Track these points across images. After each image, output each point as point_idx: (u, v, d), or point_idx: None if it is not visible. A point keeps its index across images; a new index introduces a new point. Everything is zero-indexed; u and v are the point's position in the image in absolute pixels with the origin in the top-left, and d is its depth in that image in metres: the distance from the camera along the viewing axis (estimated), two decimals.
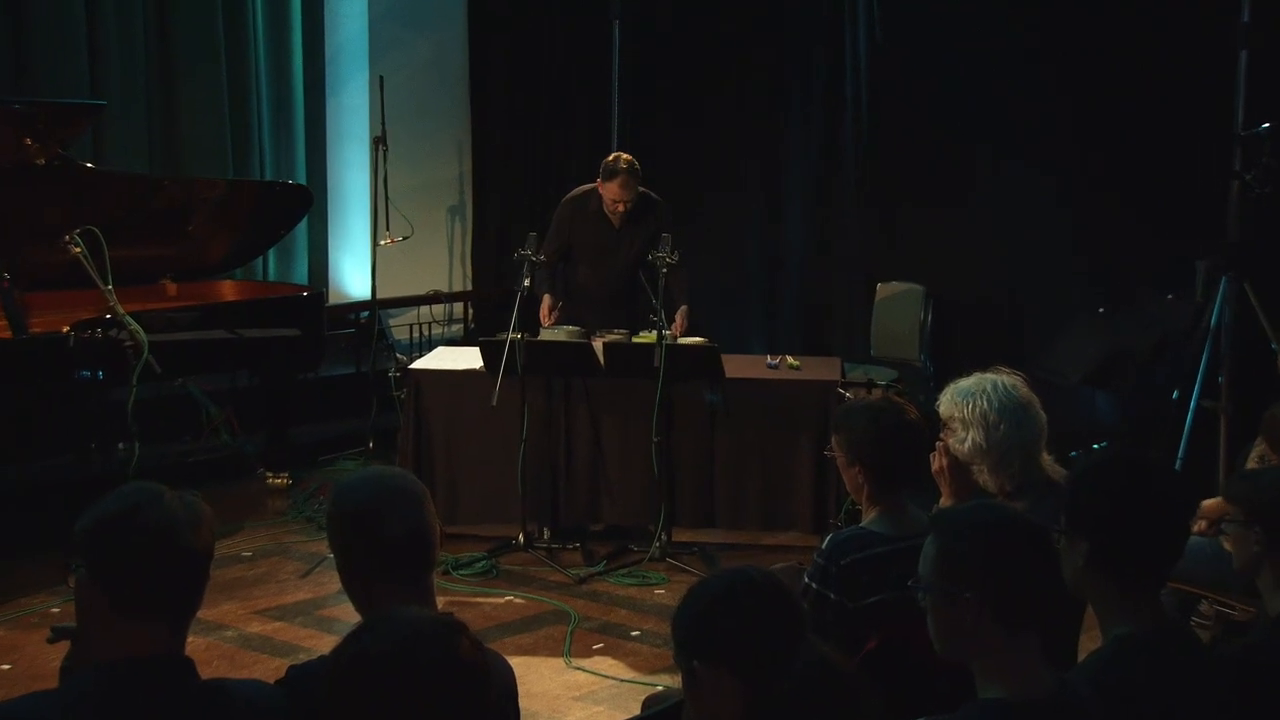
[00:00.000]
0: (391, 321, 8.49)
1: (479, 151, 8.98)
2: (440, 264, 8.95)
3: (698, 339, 5.65)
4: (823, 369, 5.80)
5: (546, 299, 5.98)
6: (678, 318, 5.84)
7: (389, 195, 7.48)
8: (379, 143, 7.39)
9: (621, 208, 5.89)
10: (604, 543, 5.65)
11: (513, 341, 5.26)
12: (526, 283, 5.29)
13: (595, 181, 5.95)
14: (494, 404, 5.13)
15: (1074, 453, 4.41)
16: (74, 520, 2.06)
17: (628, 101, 8.48)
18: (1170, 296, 6.35)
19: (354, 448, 7.06)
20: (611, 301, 6.10)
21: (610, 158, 5.93)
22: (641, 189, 5.93)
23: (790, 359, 5.85)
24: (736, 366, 5.63)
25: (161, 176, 6.53)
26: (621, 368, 5.45)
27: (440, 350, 6.39)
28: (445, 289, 8.76)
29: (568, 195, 6.16)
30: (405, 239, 7.61)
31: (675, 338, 5.60)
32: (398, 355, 7.61)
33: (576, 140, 8.77)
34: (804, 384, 5.56)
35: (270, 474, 6.54)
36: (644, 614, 4.91)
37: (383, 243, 7.51)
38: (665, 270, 5.33)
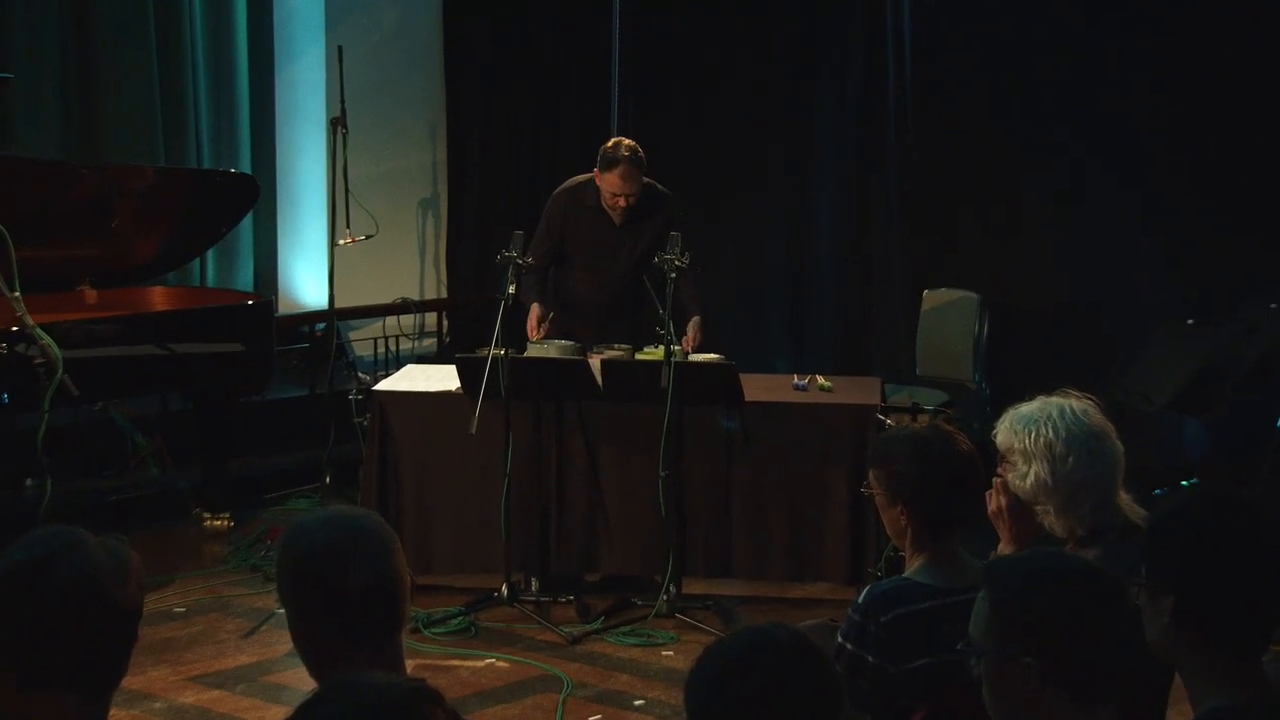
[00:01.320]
0: (352, 335, 8.51)
1: (455, 136, 8.99)
2: (410, 267, 8.96)
3: (712, 356, 5.68)
4: (859, 391, 5.81)
5: (535, 309, 6.00)
6: (689, 330, 5.87)
7: (349, 187, 7.51)
8: (337, 125, 7.42)
9: (623, 202, 5.92)
10: (602, 596, 5.65)
11: (495, 358, 5.27)
12: (511, 289, 5.31)
13: (592, 172, 5.98)
14: (473, 432, 5.15)
15: (1157, 491, 4.43)
16: None
17: (630, 78, 8.52)
18: (1274, 306, 6.36)
19: (308, 484, 7.09)
20: (611, 311, 6.14)
21: (609, 144, 5.94)
22: (646, 180, 5.96)
23: (821, 379, 5.87)
24: (758, 388, 5.64)
25: (79, 163, 6.49)
26: (623, 389, 5.48)
27: (410, 369, 6.40)
28: (416, 297, 8.77)
29: (560, 187, 6.18)
30: (368, 238, 7.64)
31: (686, 354, 5.63)
32: (359, 375, 7.62)
33: (570, 123, 8.79)
34: (837, 409, 5.58)
35: (208, 515, 6.55)
36: (649, 680, 4.90)
37: (342, 242, 7.54)
38: (674, 275, 5.35)
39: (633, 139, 6.00)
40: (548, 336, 5.90)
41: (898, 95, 7.92)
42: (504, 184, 8.91)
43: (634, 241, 6.03)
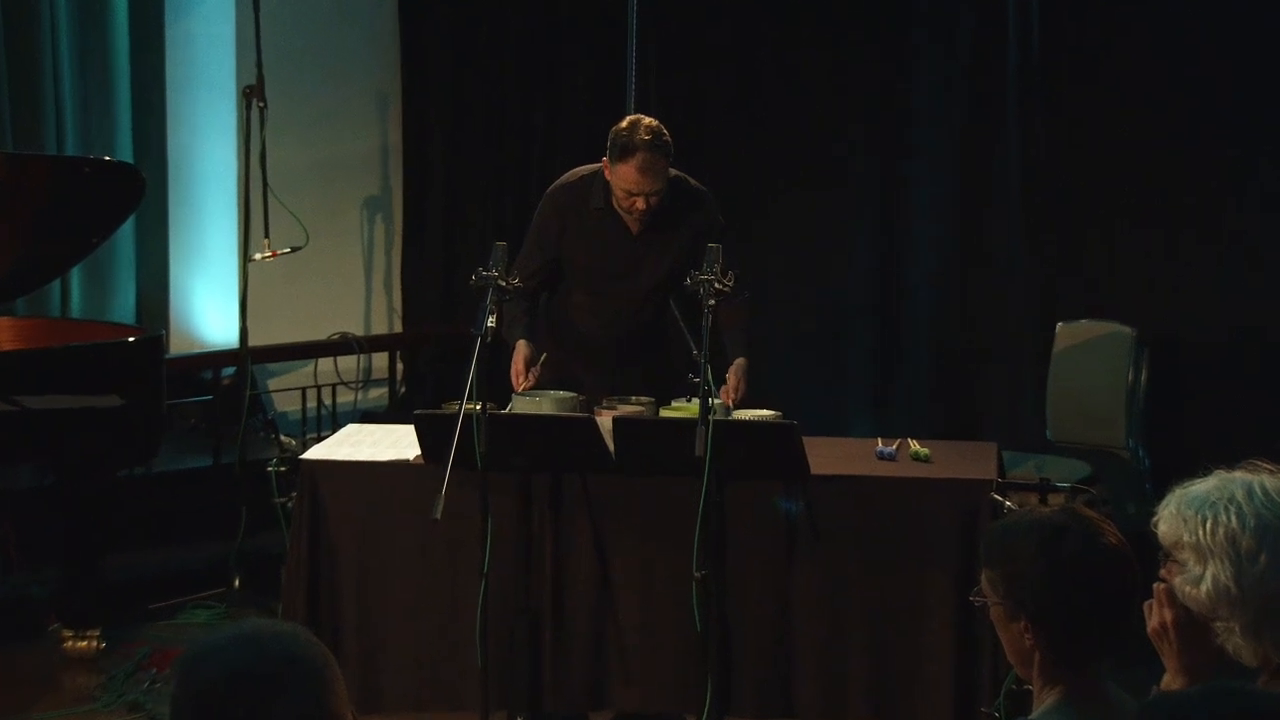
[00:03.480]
0: (272, 384, 8.54)
1: (414, 113, 9.07)
2: (351, 291, 9.01)
3: (765, 412, 5.71)
4: (967, 461, 5.81)
5: (522, 348, 5.99)
6: (732, 377, 5.87)
7: (268, 181, 7.58)
8: (251, 96, 7.50)
9: (642, 204, 5.92)
10: None
11: (469, 416, 5.28)
12: (490, 322, 5.30)
13: (600, 162, 6.01)
14: (437, 518, 5.13)
15: None
16: None
17: (653, 36, 8.54)
18: None
19: (210, 589, 7.12)
20: (626, 351, 6.18)
21: (623, 124, 5.94)
22: (674, 173, 5.99)
23: (915, 445, 5.86)
24: (828, 457, 5.65)
25: None
26: (643, 459, 5.48)
27: (351, 430, 6.36)
28: (359, 331, 8.83)
29: (556, 183, 6.21)
30: (295, 251, 7.71)
31: (729, 409, 5.66)
32: (282, 438, 7.65)
33: (571, 96, 8.83)
34: (937, 486, 5.56)
35: (70, 633, 6.55)
36: None
37: (258, 257, 7.60)
38: (714, 302, 5.32)
39: (656, 118, 6.03)
40: (540, 385, 5.90)
41: (1021, 65, 7.97)
42: (480, 179, 8.94)
43: (658, 256, 6.05)
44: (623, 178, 5.90)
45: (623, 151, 5.87)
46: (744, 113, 8.29)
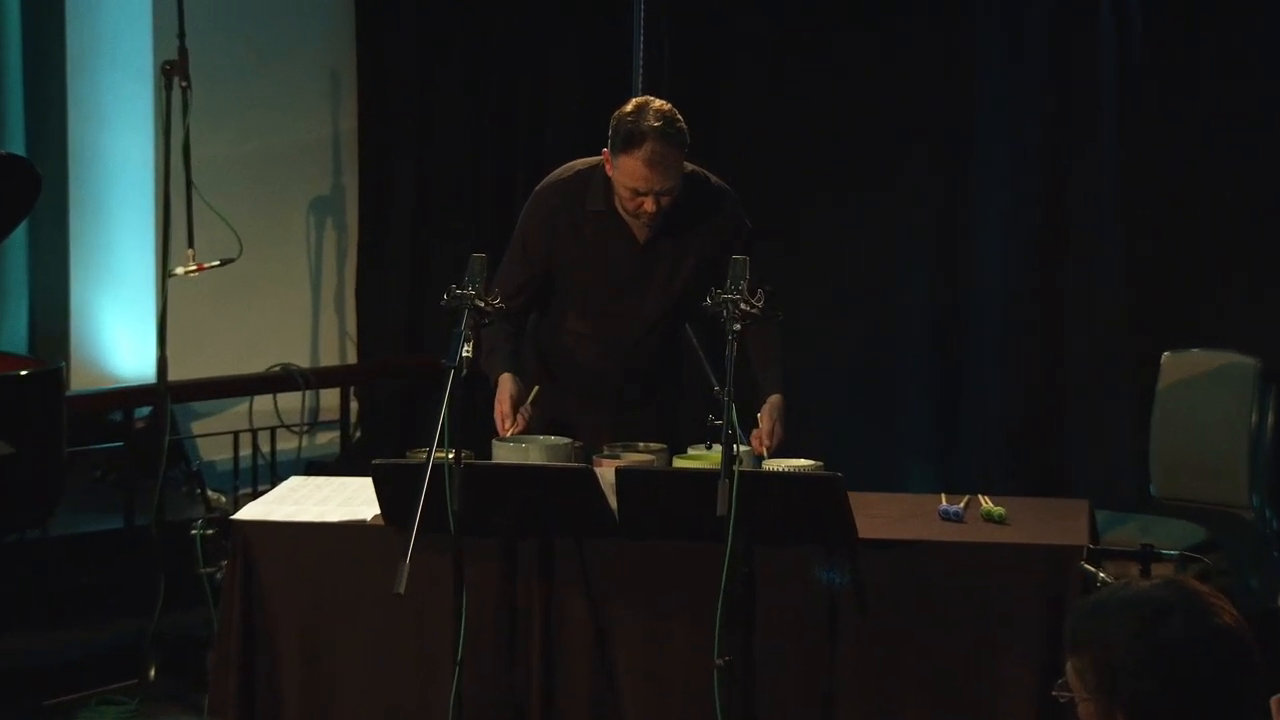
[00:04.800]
0: (197, 427, 8.56)
1: (371, 95, 9.09)
2: (295, 313, 9.02)
3: (804, 462, 5.71)
4: (1052, 523, 5.79)
5: (507, 383, 6.01)
6: (766, 420, 5.89)
7: (194, 179, 7.61)
8: (172, 76, 7.54)
9: (651, 204, 5.92)
10: None
11: (439, 467, 5.20)
12: (466, 351, 5.26)
13: (600, 154, 6.04)
14: (400, 591, 5.08)
15: None
16: None
17: (665, 7, 8.61)
18: None
19: (120, 679, 7.10)
20: (631, 386, 6.20)
21: (629, 107, 5.96)
22: (690, 168, 6.03)
23: (987, 502, 5.84)
24: (881, 516, 5.66)
25: None
26: (653, 519, 5.46)
27: (294, 485, 6.31)
28: (305, 363, 8.86)
29: (546, 180, 6.25)
30: (226, 264, 7.75)
31: (760, 458, 5.68)
32: (209, 494, 7.67)
33: (565, 75, 8.89)
34: (1014, 553, 5.54)
35: None
36: None
37: (181, 271, 7.67)
38: (740, 327, 5.32)
39: (669, 102, 6.07)
40: (528, 430, 5.92)
41: (1119, 46, 8.01)
42: (453, 176, 8.98)
43: (669, 269, 6.09)
44: (627, 173, 5.89)
45: (627, 141, 5.87)
46: (775, 105, 8.32)
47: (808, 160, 8.25)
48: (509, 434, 5.88)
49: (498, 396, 5.99)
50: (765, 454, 5.75)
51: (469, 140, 8.93)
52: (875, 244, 8.32)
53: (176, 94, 7.47)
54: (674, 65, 8.46)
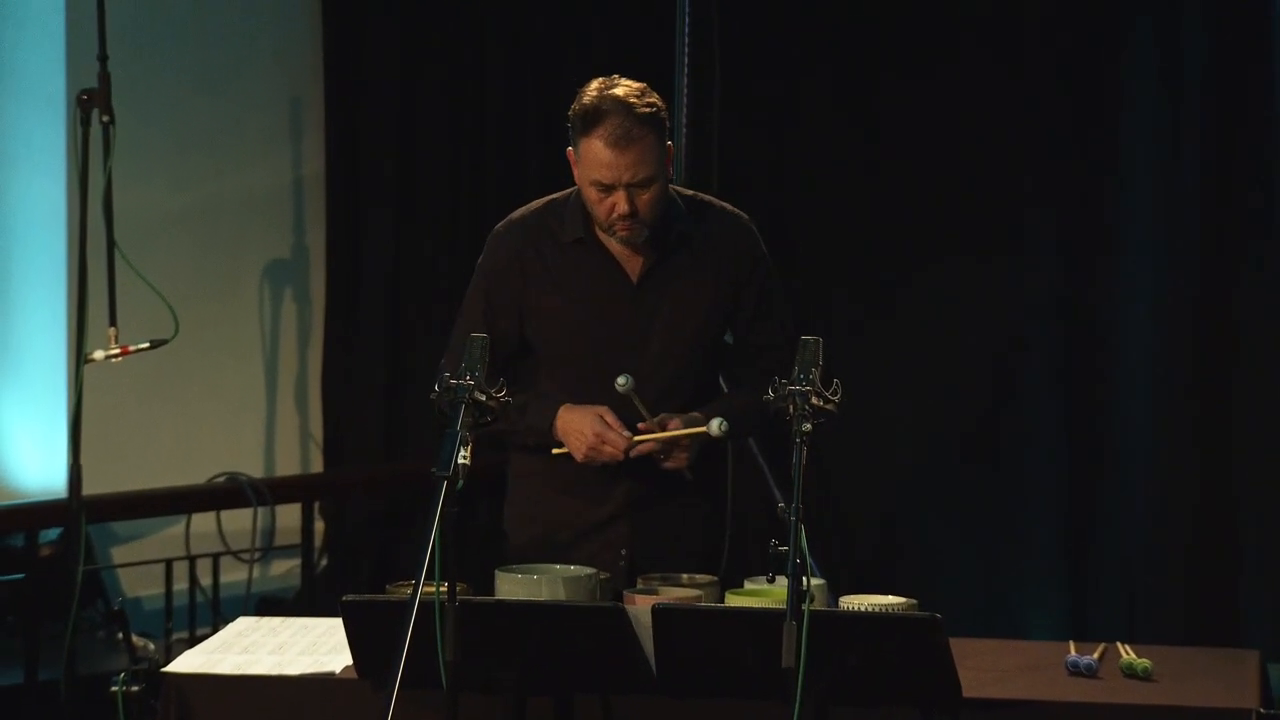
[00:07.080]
0: (119, 554, 8.54)
1: (340, 133, 9.13)
2: (245, 411, 9.04)
3: (892, 599, 5.67)
4: (1214, 679, 5.77)
5: (587, 411, 6.12)
6: (675, 422, 6.07)
7: (116, 238, 7.54)
8: (91, 108, 7.48)
9: (625, 204, 5.98)
10: None
11: (427, 602, 5.19)
12: (463, 457, 5.22)
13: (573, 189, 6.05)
14: None
15: None
16: None
17: (710, 22, 8.53)
18: None
19: None
20: (632, 481, 6.20)
21: (589, 88, 6.05)
22: (696, 195, 6.27)
23: (1128, 653, 5.79)
24: (991, 669, 5.67)
25: None
26: (699, 670, 5.40)
27: (243, 627, 6.22)
28: (257, 473, 8.84)
29: (506, 219, 6.34)
30: (158, 346, 7.65)
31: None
32: (135, 640, 7.65)
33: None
34: (1162, 716, 5.55)
35: None
36: None
37: (100, 356, 7.57)
38: (811, 426, 5.30)
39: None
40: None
41: None
42: (443, 233, 8.99)
43: (673, 312, 6.16)
44: (590, 162, 5.97)
45: (585, 120, 5.99)
46: (854, 139, 8.31)
47: (894, 210, 8.28)
48: (634, 455, 5.98)
49: (590, 429, 6.10)
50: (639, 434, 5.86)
51: (462, 188, 8.96)
52: (981, 314, 8.36)
53: (96, 130, 7.48)
54: (727, 90, 8.43)
